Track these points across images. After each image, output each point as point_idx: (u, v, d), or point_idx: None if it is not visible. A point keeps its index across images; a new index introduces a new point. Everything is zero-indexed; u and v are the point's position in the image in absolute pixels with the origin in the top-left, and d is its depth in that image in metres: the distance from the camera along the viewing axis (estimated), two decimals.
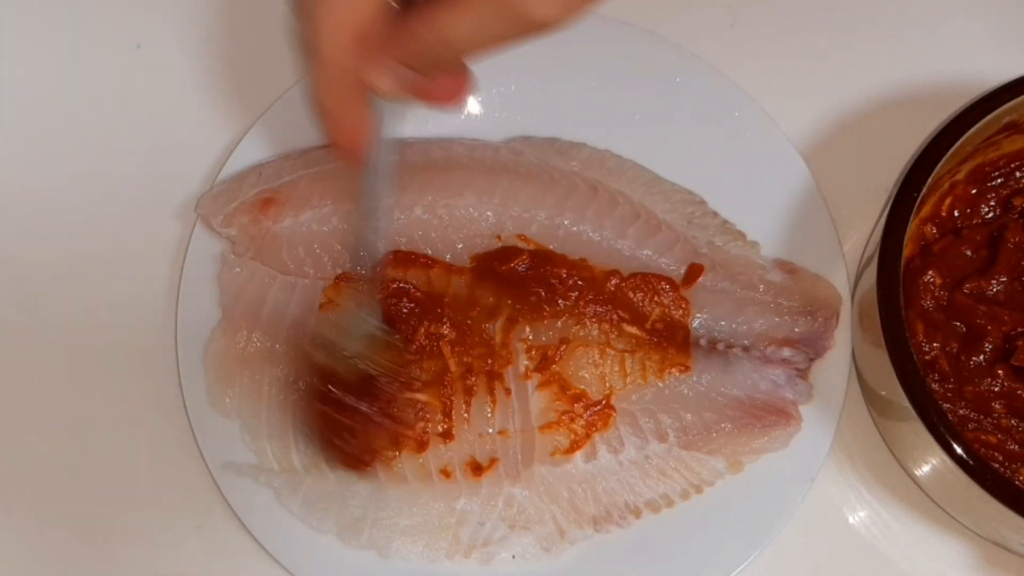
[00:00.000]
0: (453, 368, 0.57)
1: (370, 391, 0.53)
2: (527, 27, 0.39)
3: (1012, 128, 0.54)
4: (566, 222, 0.59)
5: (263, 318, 0.58)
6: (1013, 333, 0.54)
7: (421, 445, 0.55)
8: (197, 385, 0.58)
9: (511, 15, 0.39)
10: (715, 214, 0.59)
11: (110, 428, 0.60)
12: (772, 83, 0.62)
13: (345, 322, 0.54)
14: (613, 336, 0.57)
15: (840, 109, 0.62)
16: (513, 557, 0.56)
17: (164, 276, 0.61)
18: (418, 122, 0.61)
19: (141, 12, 0.65)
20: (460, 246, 0.59)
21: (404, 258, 0.58)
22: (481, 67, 0.61)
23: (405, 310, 0.57)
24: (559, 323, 0.57)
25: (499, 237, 0.58)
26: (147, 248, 0.61)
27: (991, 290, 0.55)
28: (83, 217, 0.62)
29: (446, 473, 0.56)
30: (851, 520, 0.58)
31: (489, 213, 0.59)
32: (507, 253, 0.58)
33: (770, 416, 0.56)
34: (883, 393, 0.54)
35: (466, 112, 0.61)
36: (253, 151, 0.60)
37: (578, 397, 0.56)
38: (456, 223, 0.59)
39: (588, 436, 0.56)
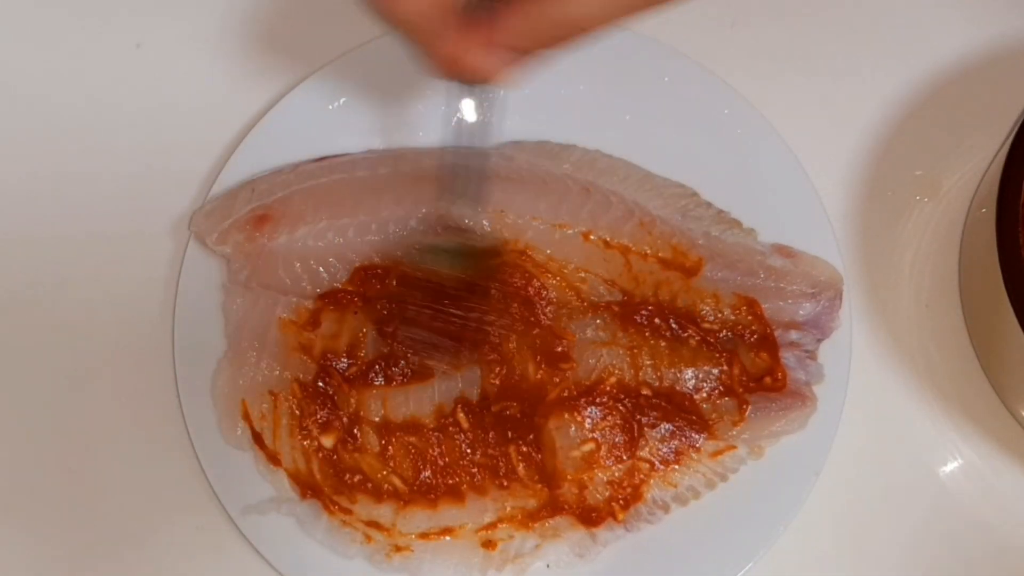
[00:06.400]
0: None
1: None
2: None
3: None
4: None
5: (269, 343, 0.56)
6: None
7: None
8: (203, 417, 0.56)
9: None
10: (709, 205, 0.60)
11: (111, 451, 0.59)
12: (763, 79, 0.62)
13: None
14: (620, 334, 0.57)
15: (832, 104, 0.64)
16: (548, 566, 0.55)
17: (159, 293, 0.60)
18: (408, 131, 0.60)
19: (141, 12, 0.64)
20: None
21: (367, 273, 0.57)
22: None
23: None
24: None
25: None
26: (141, 258, 0.60)
27: None
28: (79, 220, 0.61)
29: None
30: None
31: (484, 222, 0.58)
32: None
33: (785, 399, 0.57)
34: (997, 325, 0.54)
35: (456, 119, 0.60)
36: (245, 165, 0.59)
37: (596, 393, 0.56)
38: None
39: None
